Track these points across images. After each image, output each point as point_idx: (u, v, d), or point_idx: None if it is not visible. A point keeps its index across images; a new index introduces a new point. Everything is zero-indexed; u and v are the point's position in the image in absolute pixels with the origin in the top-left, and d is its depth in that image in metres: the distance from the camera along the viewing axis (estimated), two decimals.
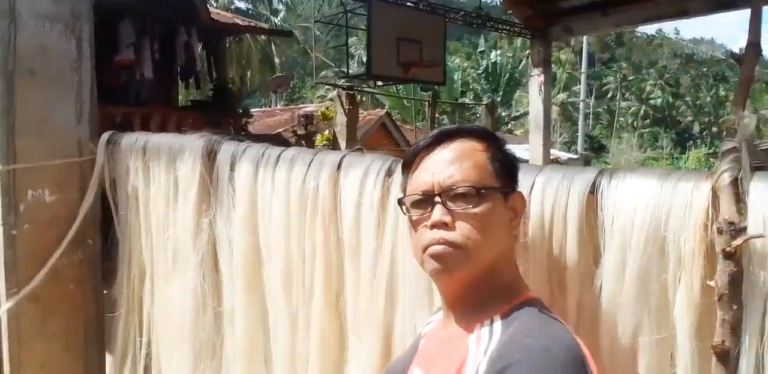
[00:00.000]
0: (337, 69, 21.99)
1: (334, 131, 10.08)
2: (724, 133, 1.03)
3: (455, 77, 24.59)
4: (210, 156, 1.69)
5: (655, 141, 38.22)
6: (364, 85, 11.26)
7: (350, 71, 10.12)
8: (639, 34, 48.09)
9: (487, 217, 1.01)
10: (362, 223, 1.40)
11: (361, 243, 1.40)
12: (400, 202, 1.11)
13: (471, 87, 29.38)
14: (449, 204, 1.02)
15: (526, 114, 20.34)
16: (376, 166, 1.40)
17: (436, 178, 1.03)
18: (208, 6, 10.09)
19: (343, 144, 9.09)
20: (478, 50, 31.45)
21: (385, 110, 16.97)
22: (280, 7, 32.38)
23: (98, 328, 1.97)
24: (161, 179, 1.78)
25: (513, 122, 31.65)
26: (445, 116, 22.72)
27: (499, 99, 27.26)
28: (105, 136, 1.90)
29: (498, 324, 1.00)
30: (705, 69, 45.82)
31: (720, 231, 0.98)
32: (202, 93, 10.87)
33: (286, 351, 1.54)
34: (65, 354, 1.89)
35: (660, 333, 1.08)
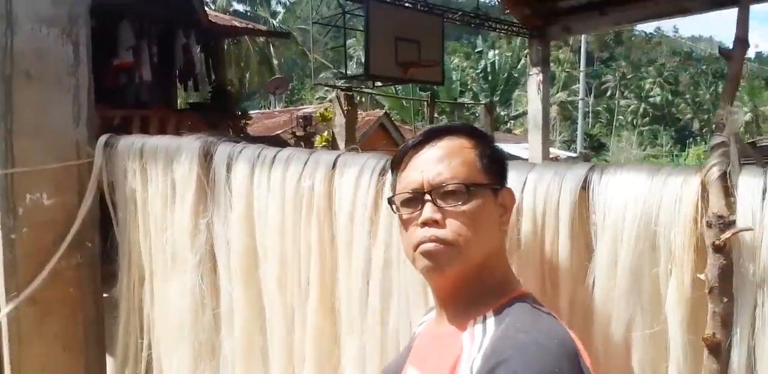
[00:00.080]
0: (335, 70, 22.00)
1: (333, 132, 10.10)
2: (714, 128, 1.04)
3: (454, 77, 24.60)
4: (207, 157, 1.70)
5: (655, 139, 38.24)
6: (362, 86, 11.28)
7: (349, 72, 10.13)
8: (637, 33, 48.15)
9: (477, 214, 1.02)
10: (356, 222, 1.41)
11: (356, 242, 1.41)
12: (390, 201, 1.11)
13: (470, 87, 29.39)
14: (439, 201, 1.02)
15: (525, 113, 20.35)
16: (370, 164, 1.41)
17: (426, 176, 1.04)
18: (206, 8, 10.10)
19: (342, 145, 9.11)
20: (477, 50, 31.46)
21: (384, 111, 16.97)
22: (279, 8, 32.42)
23: (98, 330, 1.98)
24: (159, 181, 1.78)
25: (512, 121, 31.69)
26: (444, 116, 22.72)
27: (497, 98, 27.29)
28: (102, 138, 1.91)
29: (491, 320, 1.00)
30: (704, 66, 45.84)
31: (709, 225, 0.99)
32: (201, 95, 10.88)
33: (282, 351, 1.55)
34: (65, 356, 1.89)
35: (652, 328, 1.08)
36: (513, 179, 1.17)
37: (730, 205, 0.99)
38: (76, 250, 1.88)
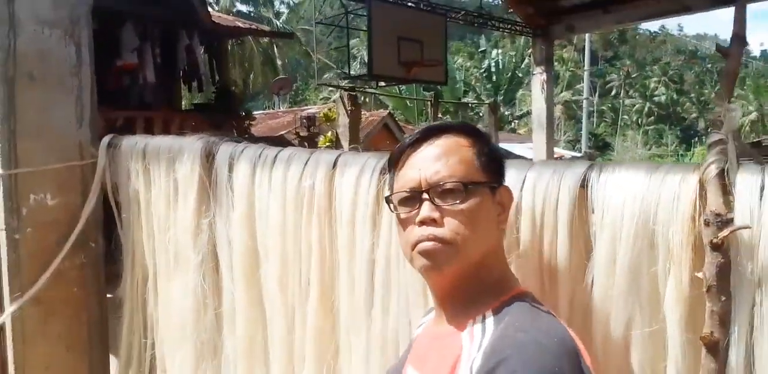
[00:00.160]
0: (339, 70, 22.01)
1: (336, 132, 10.11)
2: (711, 125, 1.04)
3: (457, 77, 24.59)
4: (208, 157, 1.71)
5: (660, 138, 38.12)
6: (366, 86, 11.28)
7: (352, 72, 10.15)
8: (642, 31, 48.01)
9: (475, 212, 1.02)
10: (357, 221, 1.41)
11: (356, 241, 1.41)
12: (388, 200, 1.11)
13: (473, 86, 29.36)
14: (437, 200, 1.02)
15: (529, 113, 20.32)
16: (371, 164, 1.41)
17: (423, 174, 1.04)
18: (209, 9, 10.11)
19: (345, 145, 9.11)
20: (480, 50, 31.44)
21: (388, 111, 16.97)
22: (282, 9, 32.45)
23: (102, 330, 1.99)
24: (161, 181, 1.79)
25: (516, 121, 31.65)
26: (447, 116, 22.69)
27: (501, 98, 27.28)
28: (106, 139, 1.92)
29: (490, 319, 1.00)
30: (709, 65, 45.69)
31: (707, 223, 0.99)
32: (205, 96, 10.89)
33: (283, 350, 1.55)
34: (69, 356, 1.90)
35: (651, 326, 1.08)
36: (512, 177, 1.17)
37: (728, 203, 0.99)
38: (79, 250, 1.89)
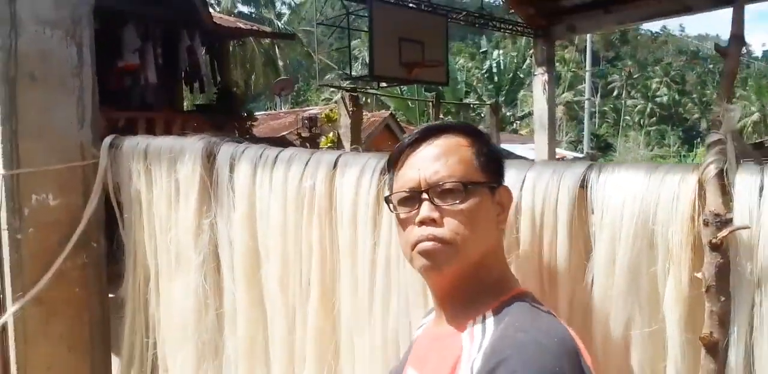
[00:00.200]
0: (340, 71, 22.02)
1: (338, 133, 10.12)
2: (710, 125, 1.04)
3: (459, 77, 24.57)
4: (210, 158, 1.71)
5: (663, 139, 38.10)
6: (367, 87, 11.28)
7: (354, 73, 10.15)
8: (643, 32, 48.01)
9: (474, 212, 1.02)
10: (357, 221, 1.41)
11: (357, 242, 1.42)
12: (387, 200, 1.11)
13: (475, 87, 29.36)
14: (437, 200, 1.02)
15: (531, 113, 20.31)
16: (371, 164, 1.41)
17: (422, 174, 1.04)
18: (210, 10, 10.12)
19: (347, 146, 9.12)
20: (481, 50, 31.43)
21: (389, 112, 16.97)
22: (284, 10, 32.47)
23: (104, 330, 1.99)
24: (163, 181, 1.79)
25: (518, 122, 31.64)
26: (449, 117, 22.69)
27: (503, 99, 27.25)
28: (107, 139, 1.92)
29: (490, 320, 1.00)
30: (711, 65, 45.64)
31: (706, 223, 0.99)
32: (207, 97, 10.90)
33: (283, 351, 1.55)
34: (71, 356, 1.91)
35: (651, 326, 1.08)
36: (512, 178, 1.18)
37: (727, 203, 0.99)
38: (81, 250, 1.90)
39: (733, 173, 1.00)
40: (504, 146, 13.60)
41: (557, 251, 1.17)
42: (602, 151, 32.37)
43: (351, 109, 9.54)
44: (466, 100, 25.72)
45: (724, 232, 0.96)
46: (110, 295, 2.01)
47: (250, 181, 1.61)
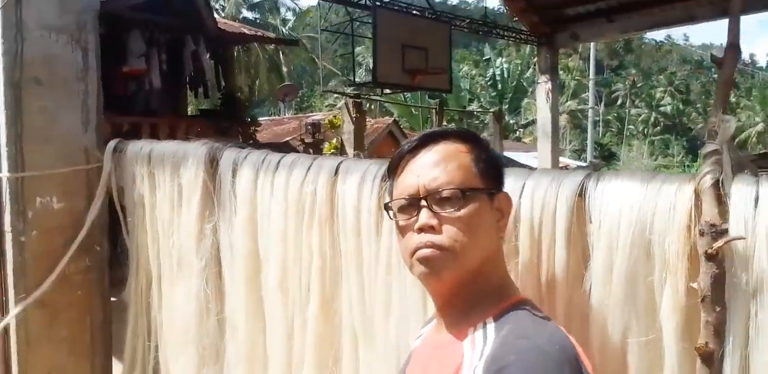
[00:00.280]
0: (344, 77, 22.07)
1: (341, 139, 10.13)
2: (706, 136, 1.04)
3: (462, 85, 24.63)
4: (212, 163, 1.72)
5: (666, 148, 38.03)
6: (371, 93, 11.31)
7: (357, 79, 10.18)
8: (647, 41, 48.06)
9: (473, 219, 1.02)
10: (359, 228, 1.42)
11: (358, 248, 1.42)
12: (387, 207, 1.11)
13: (478, 95, 29.39)
14: (435, 207, 1.02)
15: (534, 121, 20.33)
16: (372, 171, 1.42)
17: (421, 180, 1.04)
18: (215, 16, 10.16)
19: (350, 152, 9.13)
20: (485, 58, 31.49)
21: (393, 118, 16.99)
22: (289, 16, 32.56)
23: (105, 333, 2.00)
24: (166, 186, 1.81)
25: (521, 130, 31.65)
26: (452, 124, 22.72)
27: (506, 106, 27.29)
28: (111, 143, 1.94)
29: (491, 327, 1.00)
30: (715, 75, 45.53)
31: (702, 233, 0.99)
32: (211, 102, 10.93)
33: (282, 356, 1.56)
34: (72, 359, 1.92)
35: (648, 335, 1.09)
36: (510, 186, 1.18)
37: (723, 214, 1.00)
38: (84, 254, 1.91)
39: (729, 184, 1.01)
40: (507, 154, 13.58)
41: (555, 259, 1.17)
42: (606, 159, 32.33)
43: (354, 115, 9.55)
44: (470, 108, 25.77)
45: (720, 243, 0.97)
46: (113, 299, 2.02)
47: (252, 186, 1.62)
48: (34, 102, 1.81)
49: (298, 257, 1.52)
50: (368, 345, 1.42)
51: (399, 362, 1.28)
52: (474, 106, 27.53)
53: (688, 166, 32.89)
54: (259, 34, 11.49)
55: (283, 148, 10.36)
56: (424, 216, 1.02)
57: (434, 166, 1.05)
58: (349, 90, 11.19)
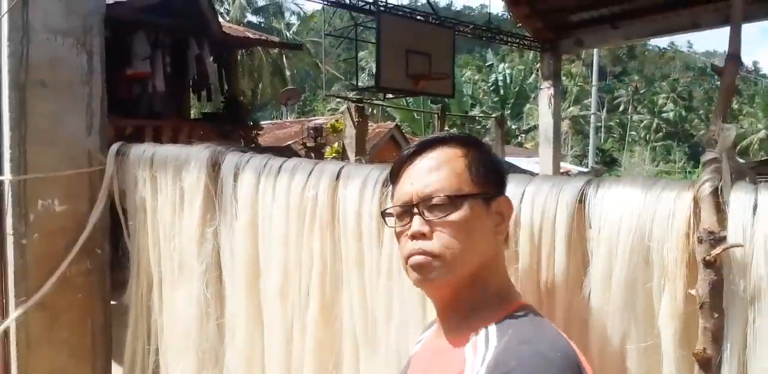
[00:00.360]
0: (347, 82, 22.11)
1: (343, 143, 10.14)
2: (706, 144, 1.05)
3: (465, 90, 24.66)
4: (215, 167, 1.73)
5: (668, 154, 38.00)
6: (374, 98, 11.33)
7: (360, 84, 10.18)
8: (651, 47, 48.06)
9: (465, 225, 1.01)
10: (360, 233, 1.42)
11: (359, 253, 1.43)
12: (383, 214, 1.12)
13: (480, 100, 29.43)
14: (426, 214, 1.02)
15: (536, 127, 20.34)
16: (374, 176, 1.42)
17: (415, 187, 1.05)
18: (219, 19, 10.19)
19: (352, 156, 9.14)
20: (488, 64, 31.54)
21: (395, 123, 17.01)
22: (293, 20, 32.65)
23: (106, 336, 2.00)
24: (168, 189, 1.81)
25: (523, 135, 31.67)
26: (454, 129, 22.73)
27: (509, 112, 27.31)
28: (114, 147, 1.95)
29: (493, 332, 0.99)
30: (718, 82, 45.45)
31: (700, 241, 1.00)
32: (214, 105, 10.95)
33: (282, 361, 1.56)
34: (73, 362, 1.92)
35: (646, 341, 1.09)
36: (511, 191, 1.18)
37: (722, 221, 1.00)
38: (86, 257, 1.91)
39: (728, 191, 1.01)
40: (509, 159, 13.59)
41: (555, 265, 1.18)
42: (607, 165, 32.29)
43: (356, 119, 9.57)
44: (472, 113, 25.79)
45: (718, 250, 0.97)
46: (113, 302, 2.03)
47: (253, 190, 1.62)
48: (38, 104, 1.82)
49: (299, 262, 1.53)
50: (369, 350, 1.42)
51: (400, 367, 1.28)
52: (476, 112, 27.54)
53: (689, 172, 32.85)
54: (263, 38, 11.50)
55: (285, 151, 10.37)
56: (416, 224, 1.03)
57: (428, 173, 1.05)
58: (351, 94, 11.20)
